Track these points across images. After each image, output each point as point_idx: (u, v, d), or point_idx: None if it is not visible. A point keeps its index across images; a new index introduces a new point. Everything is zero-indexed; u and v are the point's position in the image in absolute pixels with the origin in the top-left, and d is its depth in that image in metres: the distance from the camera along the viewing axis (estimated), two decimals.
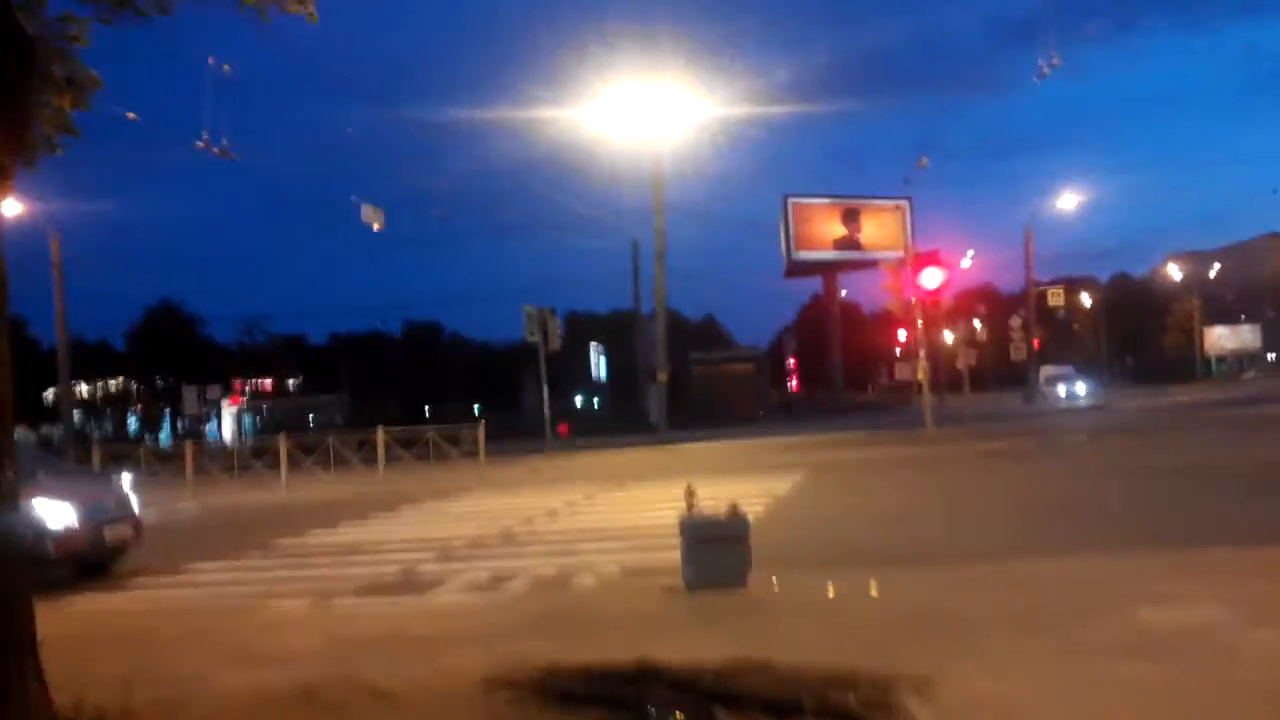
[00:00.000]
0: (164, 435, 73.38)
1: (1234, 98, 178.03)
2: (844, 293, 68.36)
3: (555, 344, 30.02)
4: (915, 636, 6.61)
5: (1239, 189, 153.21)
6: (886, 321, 63.25)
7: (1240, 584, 7.47)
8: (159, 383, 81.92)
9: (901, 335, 53.54)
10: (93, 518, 11.96)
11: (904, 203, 54.60)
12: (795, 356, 78.13)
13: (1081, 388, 54.67)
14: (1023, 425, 31.80)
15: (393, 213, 29.83)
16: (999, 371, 78.01)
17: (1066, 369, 61.33)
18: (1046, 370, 60.30)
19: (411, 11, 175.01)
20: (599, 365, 59.55)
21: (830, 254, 59.24)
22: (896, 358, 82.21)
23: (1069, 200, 49.26)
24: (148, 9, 7.29)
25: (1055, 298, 58.42)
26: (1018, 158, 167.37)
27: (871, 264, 50.71)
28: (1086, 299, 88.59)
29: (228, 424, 60.63)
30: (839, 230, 58.86)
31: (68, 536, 11.57)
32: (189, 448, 26.87)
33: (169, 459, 30.67)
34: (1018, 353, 56.27)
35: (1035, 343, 54.26)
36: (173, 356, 78.12)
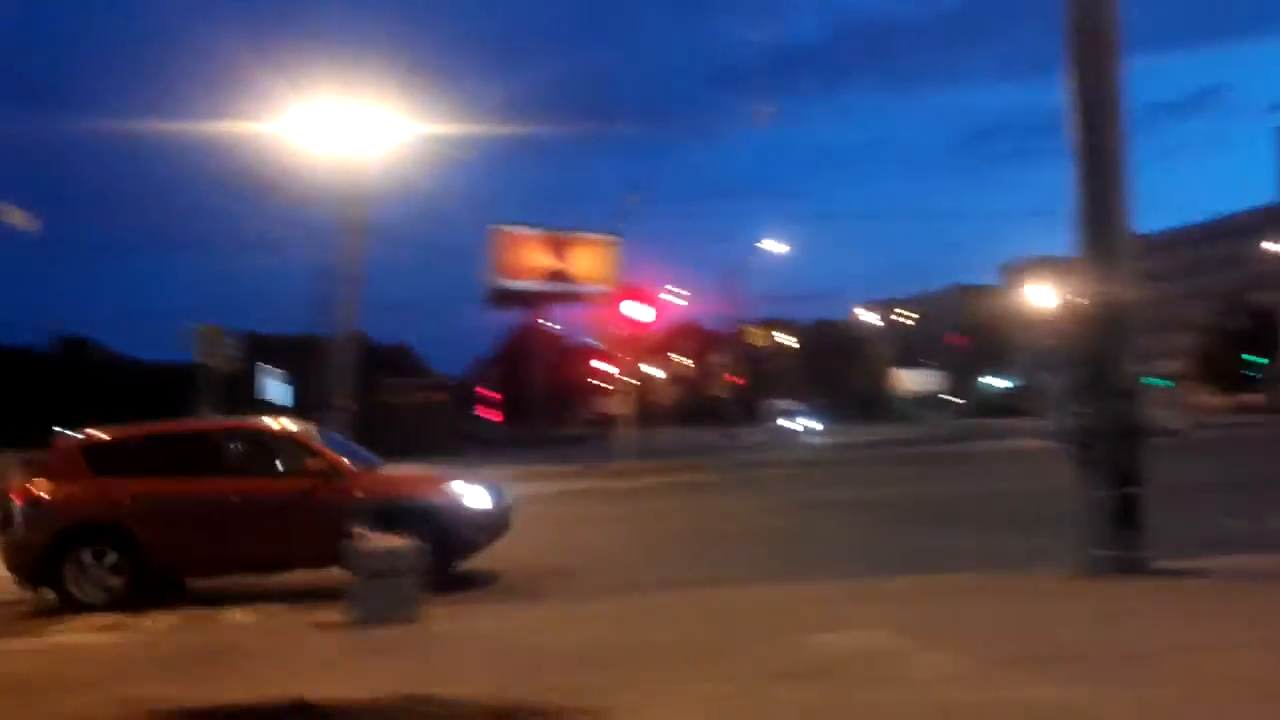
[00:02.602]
0: None
1: (932, 157, 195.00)
2: (551, 325, 68.45)
3: (227, 365, 27.84)
4: (590, 668, 6.31)
5: (932, 243, 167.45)
6: (592, 354, 63.95)
7: (913, 610, 7.61)
8: None
9: (607, 368, 54.16)
10: (499, 500, 10.88)
11: (615, 238, 55.20)
12: (497, 387, 77.40)
13: (816, 423, 57.65)
14: (723, 459, 32.61)
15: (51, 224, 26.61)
16: (702, 407, 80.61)
17: (799, 405, 63.99)
18: (777, 405, 62.61)
19: (90, 13, 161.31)
20: (278, 390, 55.56)
21: (536, 284, 58.82)
22: (600, 391, 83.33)
23: (773, 245, 51.32)
24: None
25: (757, 337, 60.99)
26: (729, 200, 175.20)
27: (579, 297, 50.94)
28: (788, 339, 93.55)
29: None
30: (547, 261, 58.59)
31: (490, 521, 10.56)
32: None
33: None
34: (720, 389, 58.22)
35: (738, 380, 56.20)
36: None
